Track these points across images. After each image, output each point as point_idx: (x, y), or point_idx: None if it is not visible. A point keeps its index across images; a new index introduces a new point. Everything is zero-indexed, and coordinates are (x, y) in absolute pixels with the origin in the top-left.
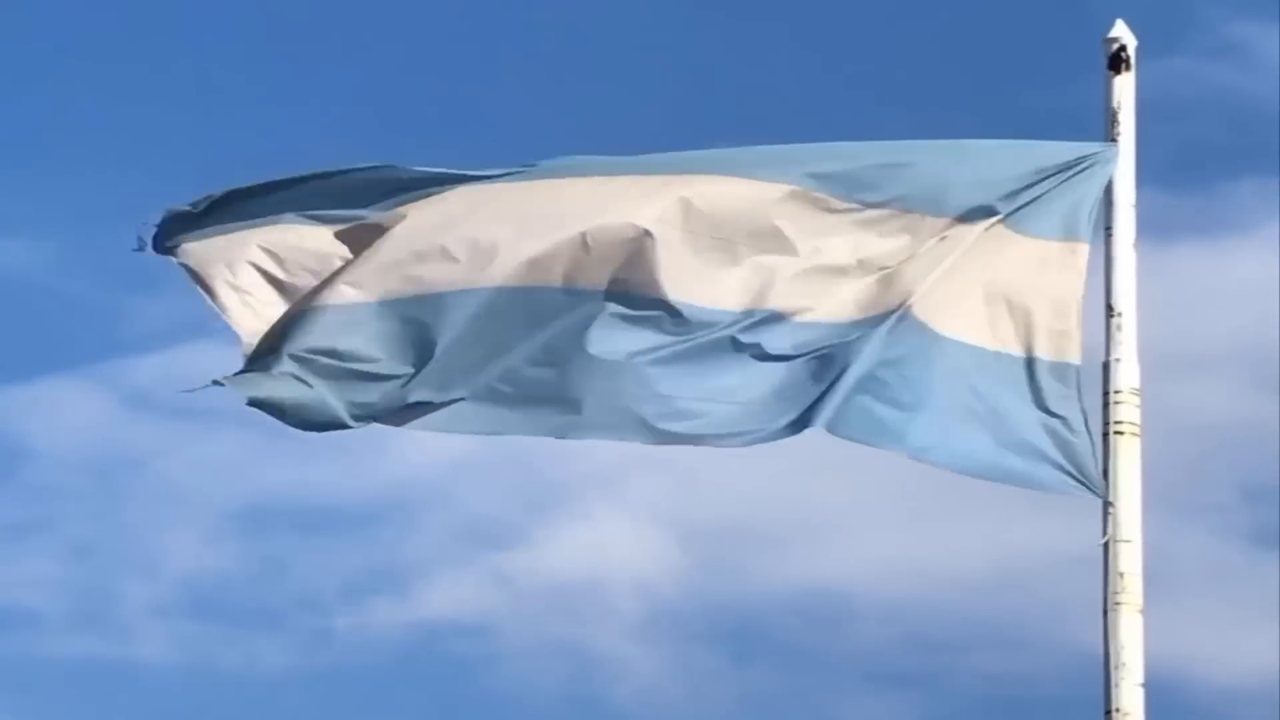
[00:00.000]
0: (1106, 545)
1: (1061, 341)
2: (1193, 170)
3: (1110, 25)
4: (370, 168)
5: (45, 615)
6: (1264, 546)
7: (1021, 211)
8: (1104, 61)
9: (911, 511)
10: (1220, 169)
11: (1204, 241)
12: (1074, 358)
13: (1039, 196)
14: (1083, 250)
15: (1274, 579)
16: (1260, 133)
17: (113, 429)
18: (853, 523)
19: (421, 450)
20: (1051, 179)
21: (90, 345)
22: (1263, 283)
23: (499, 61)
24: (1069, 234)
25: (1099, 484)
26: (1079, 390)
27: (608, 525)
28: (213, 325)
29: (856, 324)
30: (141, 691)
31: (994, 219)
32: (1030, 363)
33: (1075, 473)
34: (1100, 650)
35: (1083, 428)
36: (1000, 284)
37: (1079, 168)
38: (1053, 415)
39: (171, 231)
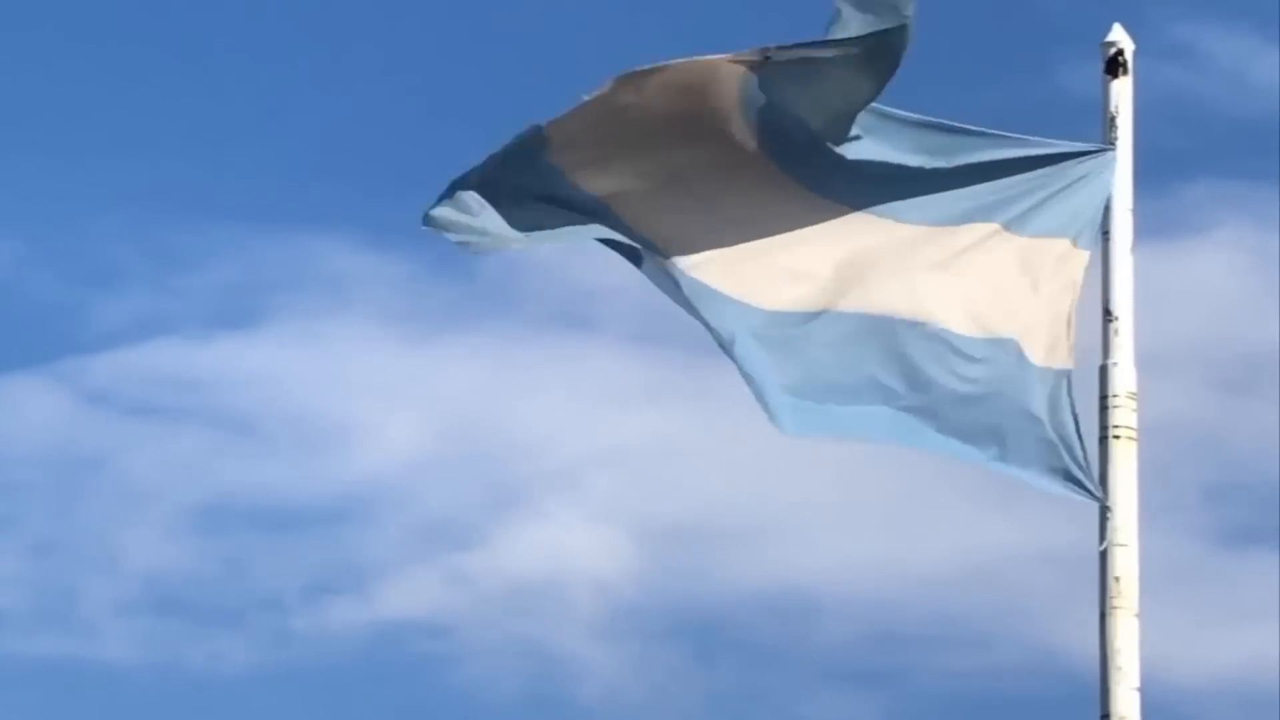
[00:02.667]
0: (1104, 550)
1: (1056, 347)
2: (1145, 172)
3: (1108, 29)
4: None
5: (7, 614)
6: (1226, 546)
7: (1025, 214)
8: (1101, 65)
9: (876, 509)
10: (1173, 171)
11: (1158, 243)
12: (1067, 363)
13: (1042, 198)
14: (1082, 257)
15: (1236, 579)
16: (1212, 134)
17: (73, 427)
18: (816, 520)
19: (380, 450)
20: (1053, 179)
21: (50, 343)
22: (1218, 283)
23: (491, 58)
24: (1070, 238)
25: (1096, 488)
26: (1070, 395)
27: (566, 524)
28: (170, 323)
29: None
30: (105, 690)
31: (995, 223)
32: (1029, 366)
33: (1077, 477)
34: (1071, 649)
35: (1073, 432)
36: (999, 285)
37: (1081, 173)
38: (1053, 419)
39: None
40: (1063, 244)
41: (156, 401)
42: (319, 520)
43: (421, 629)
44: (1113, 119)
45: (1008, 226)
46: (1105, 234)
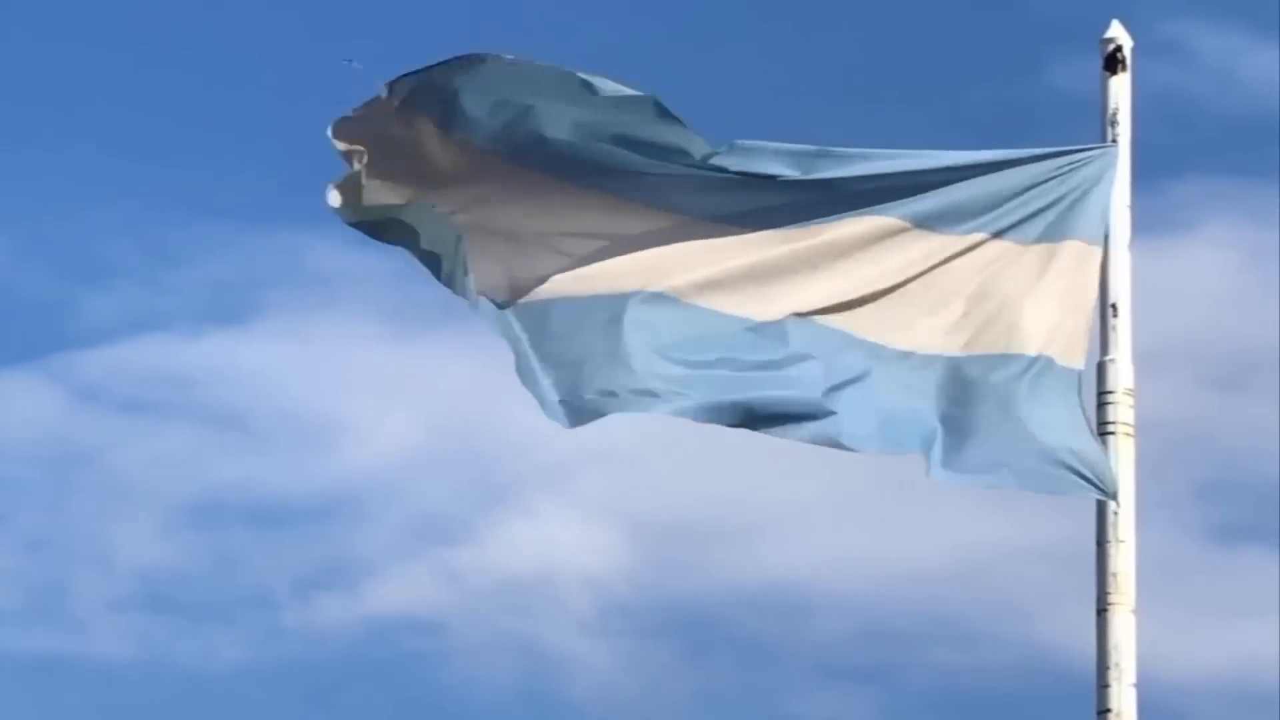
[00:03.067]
0: (1101, 546)
1: (1070, 344)
2: (1136, 169)
3: (1096, 26)
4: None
5: None
6: (1218, 543)
7: (1023, 223)
8: (1100, 62)
9: (867, 505)
10: (1162, 168)
11: (1148, 240)
12: (1079, 363)
13: (1041, 207)
14: (1095, 253)
15: (1228, 576)
16: (1201, 131)
17: (63, 422)
18: (807, 517)
19: (371, 447)
20: (1052, 184)
21: (41, 339)
22: (1209, 281)
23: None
24: (1082, 235)
25: (1111, 485)
26: (1080, 394)
27: (557, 521)
28: (162, 319)
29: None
30: (96, 686)
31: (992, 235)
32: (1042, 364)
33: (1090, 476)
34: (1065, 646)
35: (1085, 430)
36: (1002, 290)
37: (1081, 175)
38: (1062, 417)
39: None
40: (1077, 245)
41: (148, 397)
42: (310, 516)
43: (412, 625)
44: (1113, 115)
45: (1011, 237)
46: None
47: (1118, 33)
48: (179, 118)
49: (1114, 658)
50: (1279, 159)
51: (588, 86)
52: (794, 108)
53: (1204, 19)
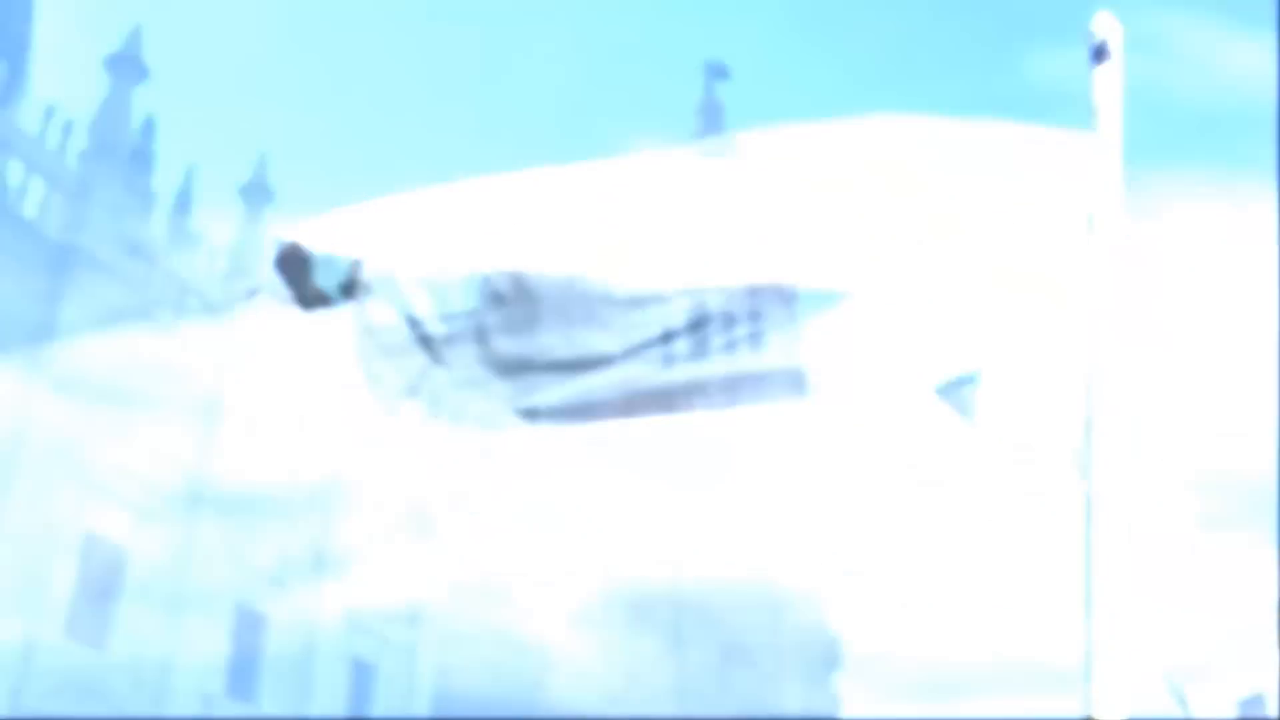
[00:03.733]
0: (1089, 540)
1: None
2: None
3: (1078, 19)
4: None
5: None
6: (1204, 536)
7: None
8: (1088, 53)
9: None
10: (1143, 159)
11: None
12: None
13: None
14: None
15: (1215, 569)
16: (1180, 124)
17: (45, 413)
18: (791, 512)
19: (355, 439)
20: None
21: (25, 331)
22: (1189, 269)
23: (475, 57)
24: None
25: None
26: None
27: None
28: (144, 310)
29: None
30: (79, 676)
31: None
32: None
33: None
34: (1055, 639)
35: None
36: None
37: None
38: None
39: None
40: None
41: (130, 387)
42: (294, 507)
43: (395, 616)
44: (1099, 106)
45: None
46: (1096, 219)
47: (1105, 24)
48: (167, 113)
49: (1105, 651)
50: (1260, 150)
51: None
52: (779, 101)
53: (1187, 13)
